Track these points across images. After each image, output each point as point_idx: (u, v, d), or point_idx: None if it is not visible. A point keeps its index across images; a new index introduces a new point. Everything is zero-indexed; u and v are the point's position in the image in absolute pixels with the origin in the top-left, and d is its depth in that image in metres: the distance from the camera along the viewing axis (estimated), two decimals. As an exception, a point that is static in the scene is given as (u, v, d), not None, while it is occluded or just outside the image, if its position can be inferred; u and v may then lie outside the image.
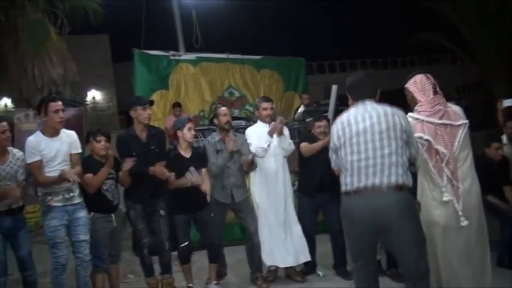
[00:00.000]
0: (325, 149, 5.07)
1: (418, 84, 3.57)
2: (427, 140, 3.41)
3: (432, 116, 3.44)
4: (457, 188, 3.39)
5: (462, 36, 16.85)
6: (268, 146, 5.12)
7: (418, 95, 3.55)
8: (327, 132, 5.14)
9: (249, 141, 5.25)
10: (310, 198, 5.28)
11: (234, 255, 5.71)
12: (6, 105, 15.93)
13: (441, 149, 3.40)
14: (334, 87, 7.89)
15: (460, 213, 3.34)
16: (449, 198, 3.36)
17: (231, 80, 9.74)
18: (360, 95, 3.28)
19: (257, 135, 5.22)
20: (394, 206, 3.03)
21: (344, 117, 3.26)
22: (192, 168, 4.83)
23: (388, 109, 3.19)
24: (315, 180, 5.21)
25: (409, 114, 3.49)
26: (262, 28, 24.39)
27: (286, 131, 5.34)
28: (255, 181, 5.30)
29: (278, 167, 5.24)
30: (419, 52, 25.25)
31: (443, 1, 16.77)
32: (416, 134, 3.36)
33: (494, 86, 16.22)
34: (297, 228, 5.23)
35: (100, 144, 4.53)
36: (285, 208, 5.22)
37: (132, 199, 4.82)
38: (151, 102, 5.13)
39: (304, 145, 5.25)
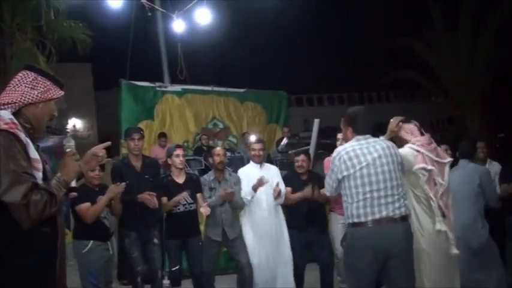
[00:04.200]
0: (309, 180, 5.29)
1: (407, 129, 3.84)
2: (429, 171, 3.62)
3: (429, 152, 3.68)
4: (449, 218, 3.65)
5: (436, 73, 17.44)
6: (252, 198, 5.23)
7: (408, 137, 3.81)
8: (304, 167, 5.37)
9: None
10: (300, 232, 5.32)
11: (220, 285, 5.77)
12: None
13: (440, 180, 3.64)
14: (317, 121, 8.16)
15: (452, 241, 3.60)
16: (443, 228, 3.59)
17: (215, 111, 9.97)
18: (361, 128, 3.46)
19: (247, 179, 5.30)
20: (404, 235, 3.26)
21: (348, 148, 3.38)
22: (184, 193, 4.94)
23: (388, 143, 3.43)
24: (304, 213, 5.28)
25: (409, 145, 3.73)
26: (243, 61, 24.86)
27: (279, 178, 5.43)
28: (244, 221, 5.38)
29: (269, 208, 5.34)
30: (395, 88, 25.97)
31: (418, 40, 17.42)
32: (419, 165, 3.60)
33: (467, 121, 16.80)
34: (288, 269, 5.29)
35: (94, 174, 4.56)
36: (277, 246, 5.29)
37: (127, 227, 4.90)
38: (142, 134, 5.11)
39: (287, 194, 5.34)
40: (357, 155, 3.32)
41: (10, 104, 2.39)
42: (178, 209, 4.98)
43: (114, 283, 6.37)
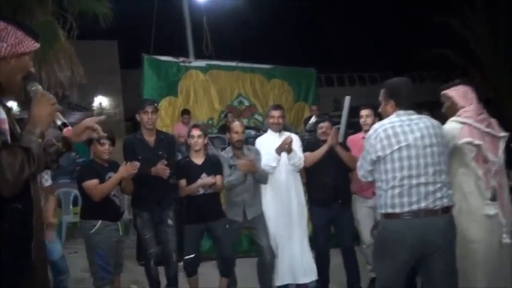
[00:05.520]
0: (334, 152, 4.89)
1: (461, 91, 3.35)
2: (476, 146, 3.15)
3: (479, 123, 3.20)
4: (503, 202, 3.16)
5: (473, 53, 16.75)
6: (278, 162, 4.82)
7: (460, 101, 3.31)
8: (328, 134, 4.89)
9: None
10: (324, 209, 4.92)
11: (241, 268, 5.47)
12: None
13: (491, 156, 3.15)
14: (348, 98, 7.70)
15: (505, 229, 3.12)
16: (495, 212, 3.13)
17: (241, 88, 9.63)
18: (404, 102, 3.01)
19: (266, 147, 4.91)
20: (445, 229, 2.83)
21: (386, 125, 2.94)
22: (204, 175, 4.61)
23: (433, 121, 2.96)
24: (329, 188, 4.86)
25: (453, 118, 3.27)
26: (272, 37, 24.22)
27: (297, 145, 5.02)
28: (265, 195, 5.00)
29: (289, 181, 4.95)
30: (430, 67, 25.09)
31: (455, 17, 16.70)
32: (465, 139, 3.13)
33: (505, 102, 16.07)
34: (307, 244, 4.97)
35: (103, 148, 4.25)
36: (297, 223, 4.94)
37: (139, 206, 4.62)
38: (156, 107, 4.80)
39: (306, 155, 4.93)
40: (396, 133, 2.86)
41: None
42: (198, 191, 4.62)
43: (132, 264, 6.18)
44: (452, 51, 17.68)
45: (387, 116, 3.06)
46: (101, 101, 17.62)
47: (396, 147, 2.84)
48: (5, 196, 1.83)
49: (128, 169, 4.18)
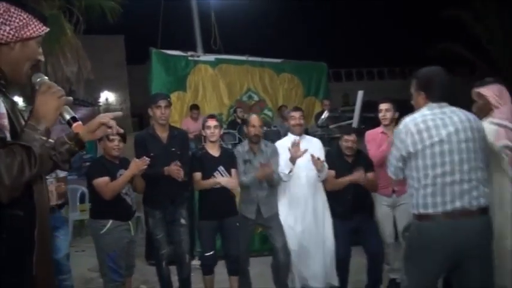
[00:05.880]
0: (356, 163, 4.71)
1: (496, 90, 3.16)
2: None
3: None
4: None
5: (483, 46, 16.52)
6: (290, 172, 4.64)
7: (494, 100, 3.13)
8: (354, 149, 4.75)
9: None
10: (344, 221, 4.72)
11: (255, 268, 5.32)
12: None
13: None
14: (360, 93, 7.56)
15: None
16: None
17: (250, 83, 9.42)
18: (437, 94, 2.80)
19: (286, 153, 4.67)
20: (481, 231, 2.65)
21: (418, 118, 2.75)
22: (221, 168, 4.45)
23: (468, 114, 2.77)
24: (348, 200, 4.67)
25: (490, 119, 3.08)
26: (280, 32, 23.96)
27: (321, 154, 4.80)
28: (281, 201, 4.80)
29: (308, 188, 4.74)
30: (439, 62, 24.82)
31: (465, 10, 16.47)
32: (502, 142, 2.95)
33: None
34: (328, 251, 4.74)
35: (113, 144, 4.08)
36: (317, 230, 4.73)
37: (150, 205, 4.45)
38: (169, 101, 4.62)
39: (330, 179, 4.73)
40: (428, 127, 2.67)
41: None
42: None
43: (141, 263, 6.03)
44: (463, 46, 17.47)
45: (419, 108, 2.87)
46: (108, 96, 17.54)
47: (428, 142, 2.66)
48: (2, 201, 1.60)
49: (138, 165, 4.02)
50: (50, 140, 1.86)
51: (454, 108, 2.79)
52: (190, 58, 8.83)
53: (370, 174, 4.62)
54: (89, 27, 9.86)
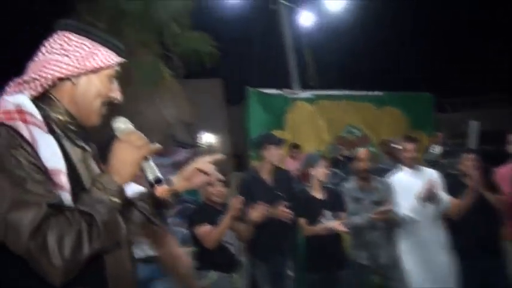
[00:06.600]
0: (483, 199, 4.16)
1: None
2: None
3: None
4: None
5: None
6: (420, 216, 4.19)
7: None
8: (471, 172, 4.19)
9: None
10: (470, 261, 4.20)
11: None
12: None
13: None
14: (474, 124, 6.97)
15: None
16: None
17: (350, 118, 9.08)
18: None
19: (404, 189, 4.28)
20: None
21: None
22: (327, 212, 4.11)
23: None
24: (474, 238, 4.15)
25: None
26: (377, 60, 23.19)
27: (441, 187, 4.34)
28: (404, 247, 4.35)
29: (435, 230, 4.30)
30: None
31: None
32: None
33: None
34: None
35: (214, 189, 3.85)
36: (443, 279, 4.21)
37: (257, 255, 4.17)
38: (283, 141, 4.50)
39: (454, 203, 4.25)
40: None
41: (27, 83, 1.45)
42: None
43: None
44: None
45: None
46: (208, 138, 17.96)
47: None
48: (55, 286, 1.26)
49: (235, 205, 3.74)
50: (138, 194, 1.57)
51: None
52: (288, 96, 8.72)
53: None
54: (187, 71, 10.11)
